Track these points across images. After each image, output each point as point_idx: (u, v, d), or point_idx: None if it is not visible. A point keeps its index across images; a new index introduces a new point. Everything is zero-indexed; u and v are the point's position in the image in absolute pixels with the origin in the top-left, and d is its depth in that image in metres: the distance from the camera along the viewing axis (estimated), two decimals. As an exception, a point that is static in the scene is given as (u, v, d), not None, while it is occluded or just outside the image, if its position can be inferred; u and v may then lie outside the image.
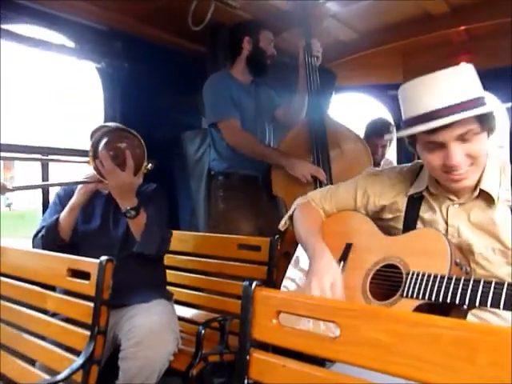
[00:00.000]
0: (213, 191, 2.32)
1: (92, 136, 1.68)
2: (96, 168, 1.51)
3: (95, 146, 1.51)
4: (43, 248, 1.56)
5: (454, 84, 0.99)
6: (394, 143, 3.29)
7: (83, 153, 1.97)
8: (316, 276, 1.11)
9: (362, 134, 3.00)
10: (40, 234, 1.60)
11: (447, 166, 1.00)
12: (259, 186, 2.29)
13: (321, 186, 2.06)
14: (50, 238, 1.57)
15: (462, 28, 2.64)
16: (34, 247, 1.62)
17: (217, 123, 2.20)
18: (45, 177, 2.10)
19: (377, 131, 2.91)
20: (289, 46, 2.48)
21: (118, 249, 1.63)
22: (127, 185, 1.50)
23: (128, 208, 1.53)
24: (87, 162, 1.55)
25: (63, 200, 1.67)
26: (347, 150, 2.20)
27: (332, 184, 2.04)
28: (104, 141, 1.51)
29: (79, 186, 1.60)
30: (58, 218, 1.59)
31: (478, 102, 0.99)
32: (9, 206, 17.12)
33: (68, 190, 1.71)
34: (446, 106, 0.97)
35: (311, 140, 2.15)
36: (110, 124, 1.71)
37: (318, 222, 1.32)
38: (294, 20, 2.31)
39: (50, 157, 2.09)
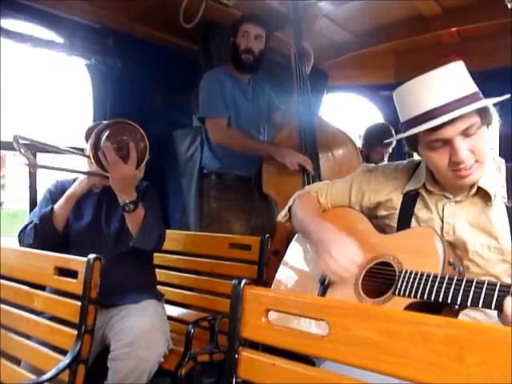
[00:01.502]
0: (205, 190, 2.31)
1: (87, 134, 1.66)
2: (97, 160, 1.48)
3: (97, 137, 1.48)
4: (35, 238, 1.52)
5: (451, 81, 1.00)
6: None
7: (70, 150, 1.94)
8: (329, 249, 1.09)
9: (356, 136, 3.04)
10: (32, 224, 1.56)
11: (454, 163, 1.00)
12: (252, 187, 2.29)
13: (308, 179, 2.08)
14: (44, 227, 1.54)
15: (454, 29, 2.66)
16: (21, 241, 1.58)
17: (204, 119, 2.20)
18: (32, 173, 2.08)
19: (382, 140, 2.92)
20: (282, 45, 2.48)
21: (110, 247, 1.61)
22: (129, 178, 1.47)
23: (127, 201, 1.50)
24: (87, 156, 1.53)
25: (54, 196, 1.65)
26: (337, 151, 2.22)
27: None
28: (107, 133, 1.48)
29: (81, 177, 1.58)
30: (52, 208, 1.56)
31: (476, 96, 1.00)
32: (0, 205, 16.90)
33: (59, 186, 1.69)
34: (447, 103, 0.97)
35: (301, 141, 2.15)
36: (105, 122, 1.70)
37: (317, 208, 1.33)
38: (285, 22, 2.30)
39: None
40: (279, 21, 2.37)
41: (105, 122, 1.53)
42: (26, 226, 1.59)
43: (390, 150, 3.00)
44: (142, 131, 1.52)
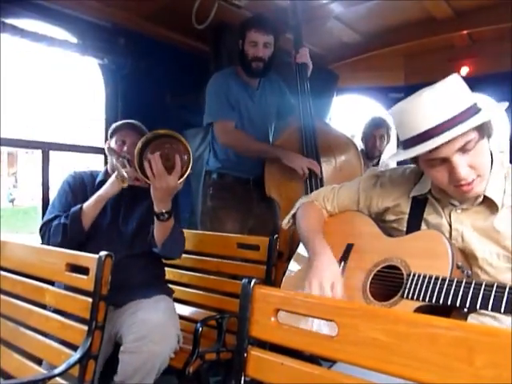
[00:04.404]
0: (204, 188, 2.34)
1: (112, 133, 1.72)
2: (142, 169, 1.48)
3: (144, 146, 1.49)
4: (64, 237, 1.53)
5: (445, 98, 0.98)
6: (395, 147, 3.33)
7: (83, 148, 1.97)
8: (316, 275, 1.12)
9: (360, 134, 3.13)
10: (60, 223, 1.56)
11: (454, 180, 1.00)
12: (250, 189, 2.29)
13: (311, 181, 2.09)
14: (73, 228, 1.54)
15: (465, 32, 2.65)
16: (45, 238, 1.58)
17: (211, 123, 2.21)
18: (45, 170, 2.11)
19: (373, 124, 3.09)
20: (291, 45, 2.48)
21: (126, 246, 1.62)
22: (170, 189, 1.48)
23: (163, 211, 1.52)
24: (130, 162, 1.54)
25: (74, 188, 1.66)
26: (338, 154, 2.22)
27: (322, 185, 2.07)
28: (154, 143, 1.49)
29: (112, 179, 1.58)
30: (81, 208, 1.57)
31: (472, 110, 0.99)
32: (12, 201, 17.06)
33: (77, 178, 1.71)
34: (441, 122, 0.97)
35: (302, 144, 2.16)
36: (131, 121, 1.75)
37: (320, 221, 1.32)
38: (287, 27, 2.29)
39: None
40: (285, 24, 2.37)
41: (154, 131, 1.53)
42: (49, 222, 1.59)
43: (385, 136, 3.08)
44: (186, 144, 1.52)
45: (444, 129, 0.96)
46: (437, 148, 0.97)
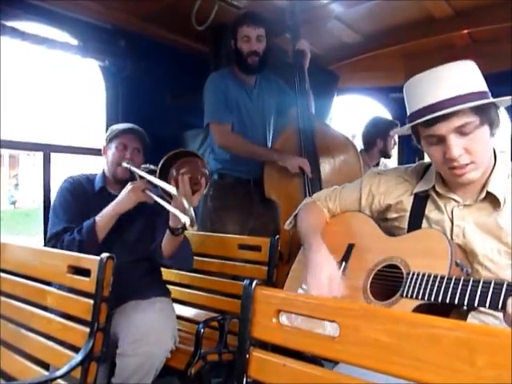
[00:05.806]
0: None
1: (110, 135, 1.72)
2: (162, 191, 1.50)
3: (167, 165, 1.51)
4: (79, 251, 1.48)
5: (454, 78, 1.01)
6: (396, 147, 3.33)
7: (84, 150, 1.97)
8: (312, 271, 1.12)
9: (361, 134, 3.09)
10: (73, 237, 1.53)
11: (447, 160, 1.02)
12: (250, 189, 2.30)
13: (309, 182, 2.10)
14: (89, 243, 1.53)
15: (466, 32, 2.65)
16: (56, 248, 1.54)
17: (208, 125, 2.22)
18: (46, 172, 2.11)
19: (390, 124, 3.00)
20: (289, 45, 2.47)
21: (127, 253, 1.62)
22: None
23: (179, 226, 1.54)
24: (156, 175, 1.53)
25: (76, 194, 1.65)
26: (337, 154, 2.22)
27: (321, 185, 2.09)
28: (181, 160, 1.52)
29: (129, 193, 1.57)
30: (95, 221, 1.56)
31: (477, 95, 1.00)
32: (13, 203, 17.08)
33: (76, 184, 1.69)
34: (444, 99, 0.99)
35: (300, 145, 2.16)
36: (132, 126, 1.75)
37: (320, 221, 1.33)
38: (284, 27, 2.29)
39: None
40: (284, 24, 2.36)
41: (175, 151, 1.53)
42: (58, 235, 1.56)
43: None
44: (205, 162, 1.57)
45: (446, 105, 0.98)
46: (435, 123, 0.99)
